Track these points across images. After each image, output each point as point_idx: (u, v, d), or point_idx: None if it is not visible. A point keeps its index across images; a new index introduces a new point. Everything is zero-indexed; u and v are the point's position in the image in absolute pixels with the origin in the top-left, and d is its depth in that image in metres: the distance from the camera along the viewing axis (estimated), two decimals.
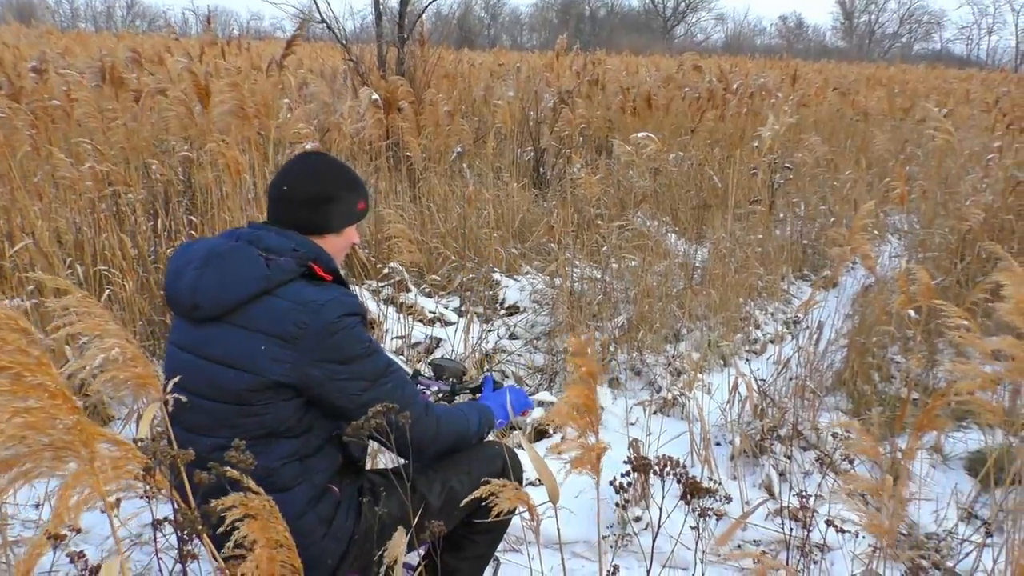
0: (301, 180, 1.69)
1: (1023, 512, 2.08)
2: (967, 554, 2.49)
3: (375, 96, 4.52)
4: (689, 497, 1.35)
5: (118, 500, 1.24)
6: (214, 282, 1.52)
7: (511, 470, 1.88)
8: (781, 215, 5.74)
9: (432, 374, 2.22)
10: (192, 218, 4.20)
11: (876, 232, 5.62)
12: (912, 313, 3.60)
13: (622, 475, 1.61)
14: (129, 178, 4.07)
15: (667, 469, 1.35)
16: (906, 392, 3.43)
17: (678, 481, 1.35)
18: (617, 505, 2.55)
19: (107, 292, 3.48)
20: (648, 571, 1.67)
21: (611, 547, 2.59)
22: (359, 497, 1.68)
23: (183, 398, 1.39)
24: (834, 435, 3.06)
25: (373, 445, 2.19)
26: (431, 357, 2.85)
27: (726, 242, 4.77)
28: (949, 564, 2.53)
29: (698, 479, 2.83)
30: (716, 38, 56.31)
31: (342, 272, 1.76)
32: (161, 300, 3.54)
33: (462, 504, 1.59)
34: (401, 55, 6.60)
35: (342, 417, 1.56)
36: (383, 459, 2.70)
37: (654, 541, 1.67)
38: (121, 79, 5.93)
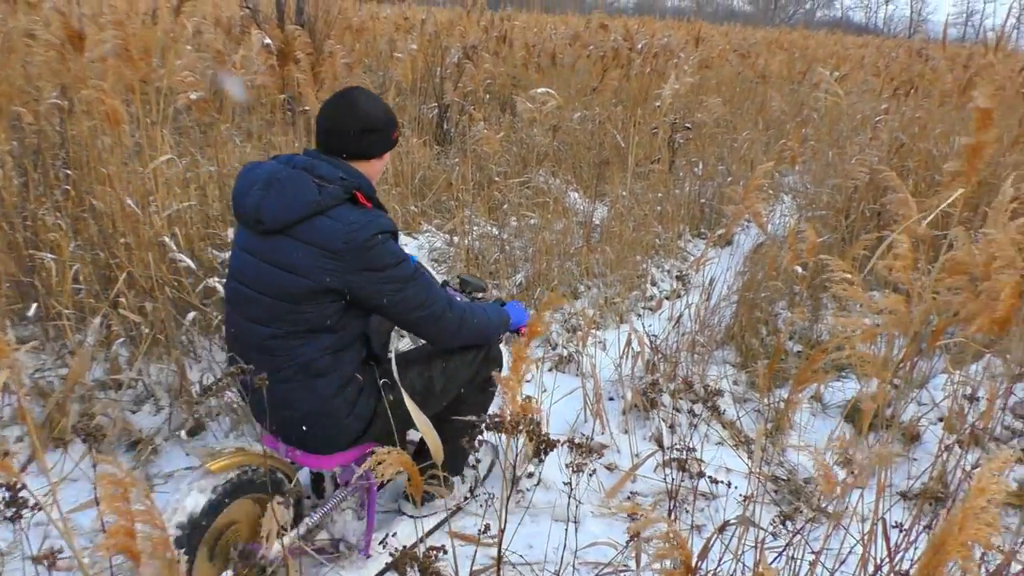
0: (347, 114, 1.97)
1: (888, 457, 2.18)
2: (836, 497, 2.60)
3: (266, 41, 4.30)
4: (542, 453, 1.33)
5: None
6: (275, 203, 1.84)
7: (489, 366, 2.32)
8: (680, 174, 5.83)
9: (458, 286, 2.56)
10: (68, 172, 3.93)
11: (771, 191, 5.78)
12: (799, 269, 3.73)
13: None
14: None
15: (520, 427, 1.32)
16: (788, 344, 3.56)
17: (530, 439, 1.33)
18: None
19: None
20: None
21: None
22: (378, 384, 2.05)
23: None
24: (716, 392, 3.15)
25: (393, 341, 2.64)
26: (459, 273, 3.18)
27: (625, 200, 4.81)
28: (825, 506, 2.65)
29: (589, 435, 2.89)
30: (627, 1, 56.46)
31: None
32: (29, 259, 3.31)
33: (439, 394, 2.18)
34: (301, 4, 6.31)
35: (379, 313, 1.96)
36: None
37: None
38: None
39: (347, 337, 1.97)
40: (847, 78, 8.62)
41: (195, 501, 1.83)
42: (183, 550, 1.76)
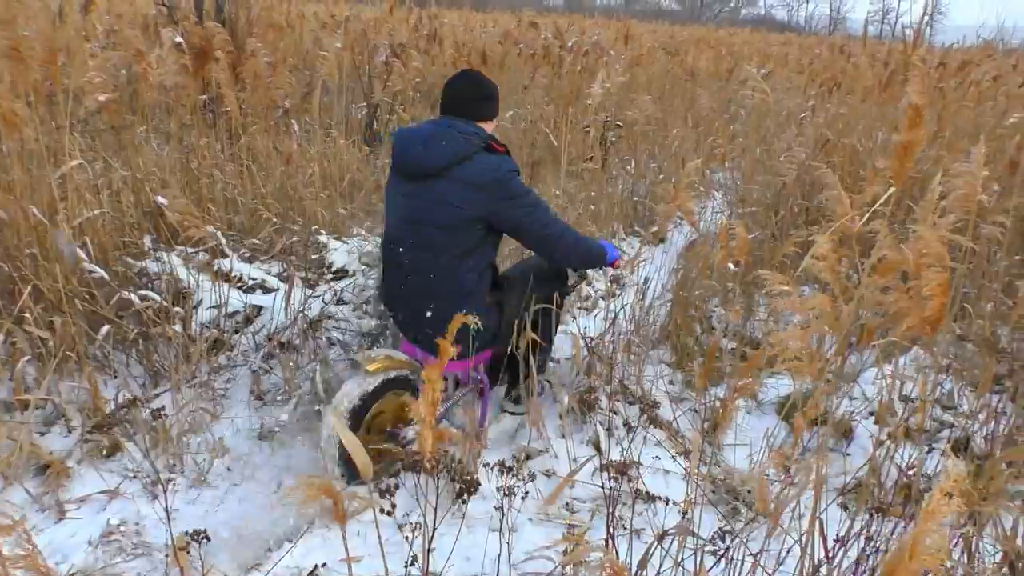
0: (470, 86, 2.59)
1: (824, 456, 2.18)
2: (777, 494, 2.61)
3: (178, 39, 4.11)
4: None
5: None
6: (436, 152, 2.43)
7: (562, 283, 3.00)
8: (613, 172, 5.83)
9: None
10: None
11: (701, 189, 5.83)
12: (732, 266, 3.75)
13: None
14: None
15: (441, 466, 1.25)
16: (723, 343, 3.57)
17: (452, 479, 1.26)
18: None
19: None
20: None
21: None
22: (500, 304, 2.68)
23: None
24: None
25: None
26: None
27: (559, 199, 4.78)
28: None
29: (526, 441, 2.83)
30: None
31: None
32: None
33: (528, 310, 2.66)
34: (221, 2, 6.09)
35: (515, 232, 2.55)
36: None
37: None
38: None
39: (485, 262, 2.57)
40: (772, 75, 8.79)
41: (358, 392, 2.44)
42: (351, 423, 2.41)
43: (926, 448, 2.75)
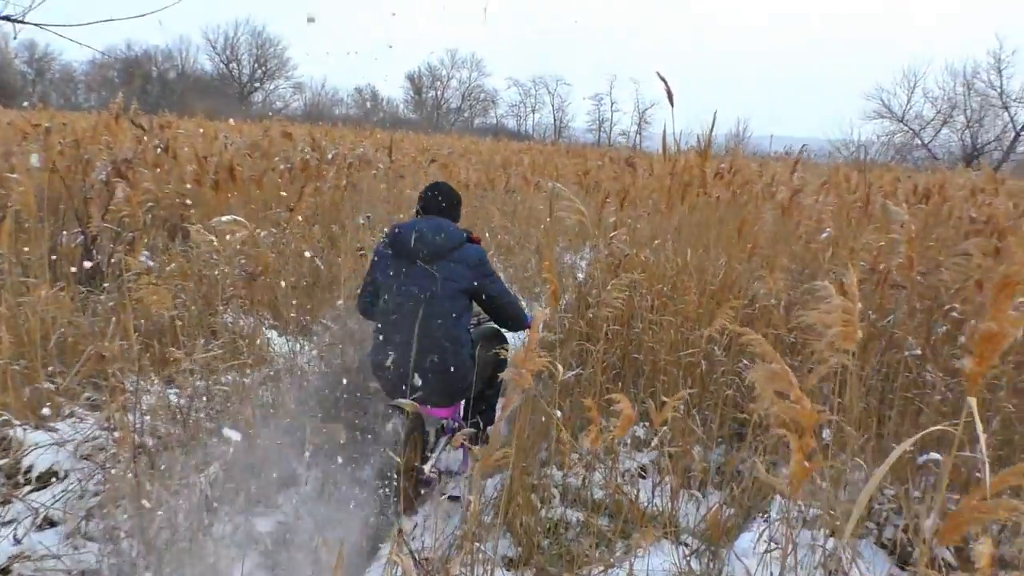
0: (447, 195, 3.47)
1: None
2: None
3: None
4: None
5: None
6: (443, 241, 3.21)
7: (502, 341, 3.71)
8: None
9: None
10: None
11: None
12: (558, 413, 3.17)
13: None
14: None
15: None
16: (568, 515, 2.93)
17: None
18: None
19: None
20: None
21: None
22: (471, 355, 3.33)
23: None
24: None
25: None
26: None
27: (337, 333, 3.98)
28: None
29: None
30: (296, 106, 55.85)
31: None
32: None
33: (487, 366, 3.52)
34: None
35: (487, 300, 3.37)
36: None
37: None
38: None
39: (468, 321, 3.33)
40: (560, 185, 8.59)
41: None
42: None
43: None
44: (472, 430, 2.87)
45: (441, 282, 3.14)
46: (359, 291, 3.51)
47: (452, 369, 3.15)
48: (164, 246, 5.12)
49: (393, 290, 3.18)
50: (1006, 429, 3.10)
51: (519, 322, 3.54)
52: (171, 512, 2.56)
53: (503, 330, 3.76)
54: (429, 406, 3.21)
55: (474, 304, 3.41)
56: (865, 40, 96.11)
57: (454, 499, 3.33)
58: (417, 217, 3.41)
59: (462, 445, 3.07)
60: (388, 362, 3.05)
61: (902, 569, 2.74)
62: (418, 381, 3.04)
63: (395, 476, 2.98)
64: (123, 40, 49.87)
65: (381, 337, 3.22)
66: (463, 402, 3.55)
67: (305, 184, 5.37)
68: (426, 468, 3.15)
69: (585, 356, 3.96)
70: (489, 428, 3.54)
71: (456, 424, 3.45)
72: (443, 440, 3.35)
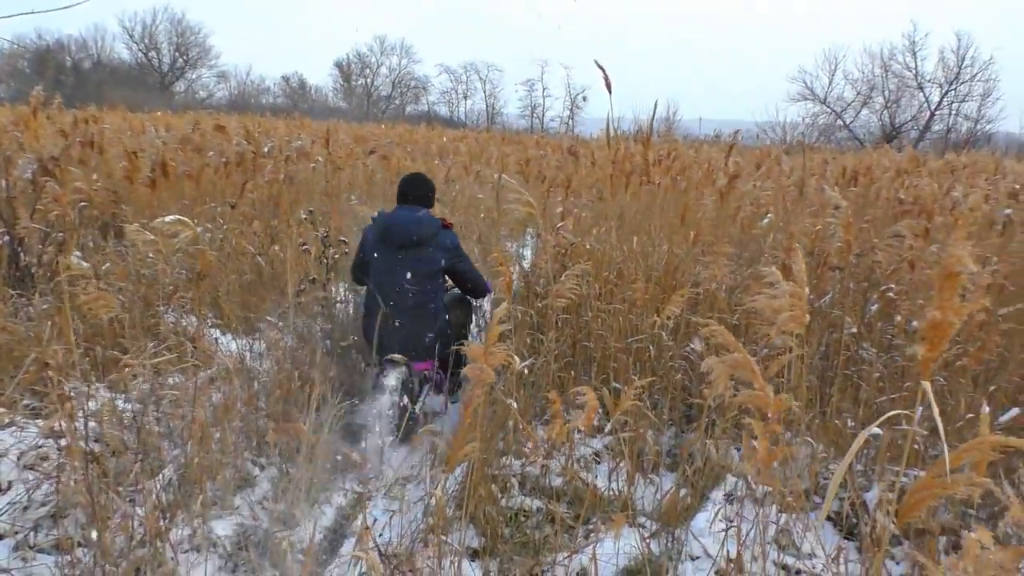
0: (423, 184, 4.10)
1: None
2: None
3: None
4: None
5: None
6: (424, 229, 3.82)
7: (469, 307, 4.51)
8: (341, 294, 5.10)
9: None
10: None
11: None
12: (514, 404, 3.21)
13: None
14: None
15: None
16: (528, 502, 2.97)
17: None
18: None
19: None
20: None
21: None
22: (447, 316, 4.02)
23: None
24: None
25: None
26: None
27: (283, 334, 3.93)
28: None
29: None
30: (220, 95, 54.10)
31: None
32: None
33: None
34: None
35: (459, 275, 4.04)
36: None
37: None
38: None
39: (443, 290, 3.99)
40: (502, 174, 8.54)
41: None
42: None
43: None
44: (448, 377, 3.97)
45: (422, 264, 3.79)
46: (351, 265, 4.19)
47: (432, 332, 3.83)
48: (96, 246, 4.95)
49: (381, 270, 3.82)
50: (940, 401, 3.27)
51: (480, 291, 4.24)
52: (127, 519, 2.50)
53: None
54: (414, 361, 3.75)
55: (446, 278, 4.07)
56: (787, 18, 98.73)
57: (435, 432, 3.43)
58: (398, 205, 3.99)
59: (440, 391, 4.14)
60: (378, 327, 3.44)
61: (848, 540, 2.87)
62: (405, 341, 3.72)
63: (392, 413, 3.58)
64: (33, 28, 47.62)
65: (373, 307, 3.78)
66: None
67: (246, 180, 5.24)
68: (417, 408, 3.80)
69: (537, 346, 4.01)
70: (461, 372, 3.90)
71: (437, 375, 4.07)
72: (426, 387, 3.98)
